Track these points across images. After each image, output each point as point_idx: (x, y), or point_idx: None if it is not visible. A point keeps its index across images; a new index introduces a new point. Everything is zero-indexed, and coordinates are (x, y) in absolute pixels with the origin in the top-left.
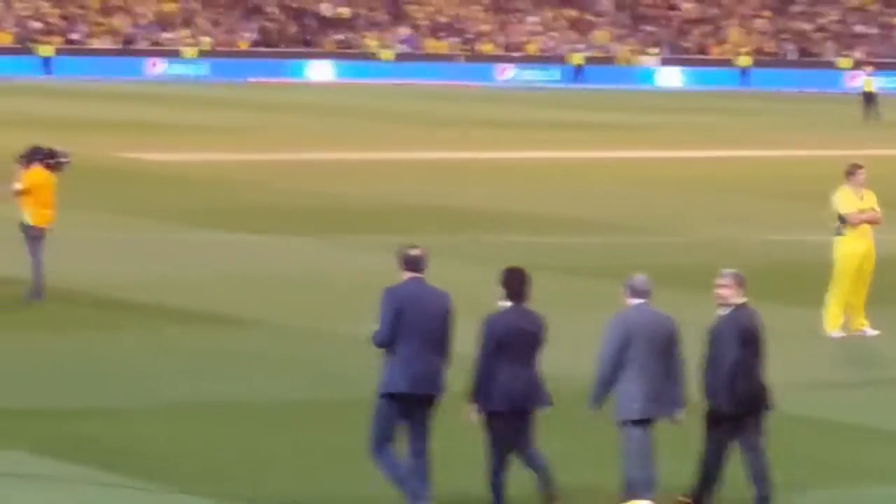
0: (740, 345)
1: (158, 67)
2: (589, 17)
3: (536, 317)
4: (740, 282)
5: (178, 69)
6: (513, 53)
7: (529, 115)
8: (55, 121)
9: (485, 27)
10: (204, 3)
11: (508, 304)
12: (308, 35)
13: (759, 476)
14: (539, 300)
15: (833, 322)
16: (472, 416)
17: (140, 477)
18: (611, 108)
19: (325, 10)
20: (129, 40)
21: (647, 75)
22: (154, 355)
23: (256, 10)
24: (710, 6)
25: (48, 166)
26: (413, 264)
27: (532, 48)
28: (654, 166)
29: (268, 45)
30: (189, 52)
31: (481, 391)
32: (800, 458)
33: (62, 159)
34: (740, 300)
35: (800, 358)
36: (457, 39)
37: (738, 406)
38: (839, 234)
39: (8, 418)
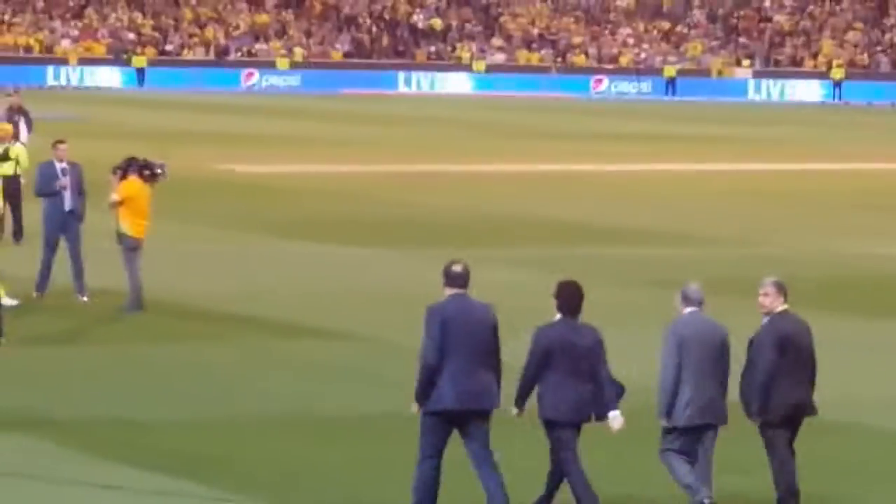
0: (778, 352)
1: (252, 79)
2: (682, 28)
3: (590, 330)
4: (781, 289)
5: (272, 80)
6: (606, 65)
7: (622, 127)
8: (149, 132)
9: (577, 39)
10: (297, 15)
11: (558, 316)
12: (401, 46)
13: (787, 483)
14: (631, 312)
15: None
16: (518, 416)
17: (237, 491)
18: (703, 119)
19: (419, 21)
20: (222, 51)
21: (741, 87)
22: (249, 368)
23: (350, 22)
24: (803, 18)
25: (144, 177)
26: (455, 280)
27: (625, 60)
28: (746, 179)
29: (361, 57)
30: (282, 63)
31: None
32: (878, 473)
33: (158, 171)
34: (781, 307)
35: (885, 372)
36: (550, 51)
37: (773, 413)
38: None
39: (107, 430)
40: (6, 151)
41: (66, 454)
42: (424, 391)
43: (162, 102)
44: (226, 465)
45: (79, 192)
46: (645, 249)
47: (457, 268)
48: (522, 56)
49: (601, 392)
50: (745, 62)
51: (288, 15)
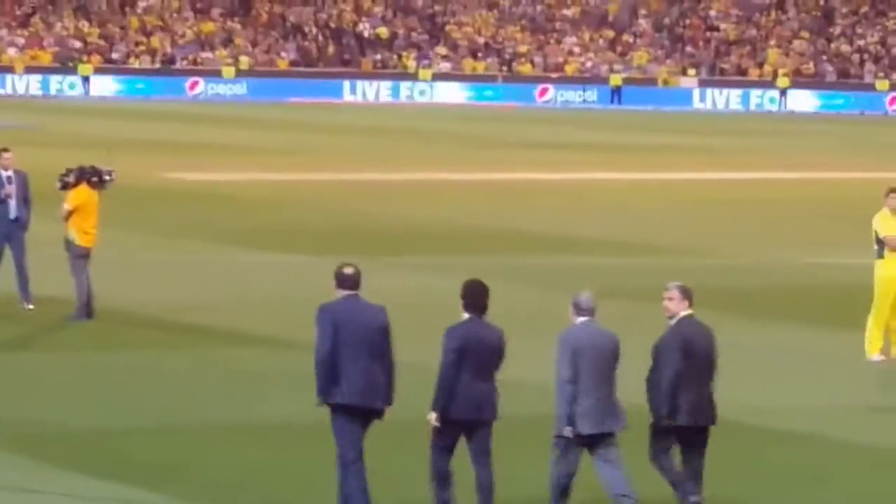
0: (682, 356)
1: (198, 87)
2: (627, 37)
3: (496, 329)
4: (686, 294)
5: (218, 89)
6: (551, 74)
7: (568, 136)
8: (96, 140)
9: (523, 47)
10: (243, 23)
11: (466, 315)
12: (347, 55)
13: (689, 483)
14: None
15: (873, 346)
16: (433, 423)
17: (186, 498)
18: (649, 129)
19: (365, 30)
20: (168, 60)
21: (686, 96)
22: (199, 376)
23: (296, 30)
24: (748, 28)
25: (92, 184)
26: (346, 282)
27: (570, 69)
28: (693, 188)
29: (307, 65)
30: (228, 71)
31: (441, 400)
32: (836, 482)
33: (106, 177)
34: (685, 312)
35: (840, 381)
36: (495, 59)
37: (680, 418)
38: (879, 256)
39: (59, 438)
40: None
41: (18, 462)
42: (327, 384)
43: (108, 111)
44: (179, 472)
45: (24, 200)
46: (593, 258)
47: (348, 270)
48: (468, 65)
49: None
50: (691, 71)
51: (234, 24)
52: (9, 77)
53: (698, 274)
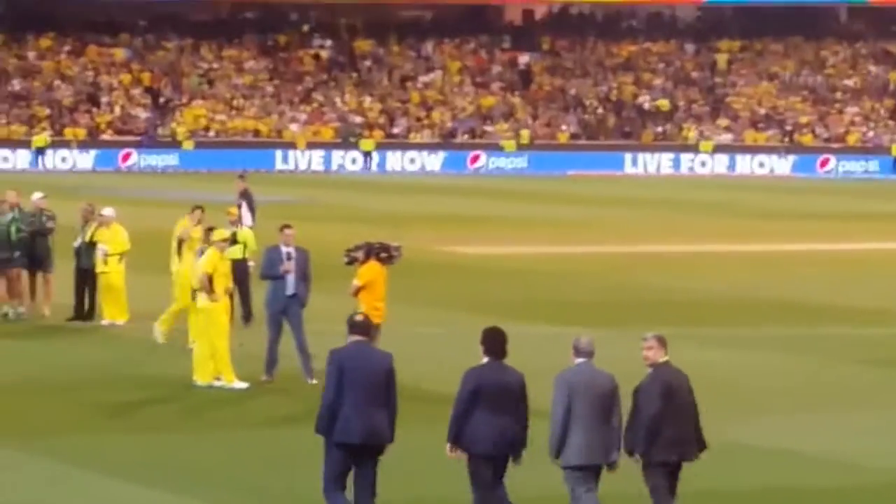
0: (663, 400)
1: (478, 161)
2: None
3: (515, 371)
4: (662, 343)
5: (498, 162)
6: (833, 144)
7: (851, 206)
8: (377, 215)
9: (805, 118)
10: (523, 97)
11: (486, 359)
12: (627, 127)
13: None
14: (852, 391)
15: None
16: (451, 455)
17: None
18: None
19: (645, 102)
20: (449, 134)
21: None
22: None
23: (576, 103)
24: None
25: (381, 260)
26: (355, 328)
27: (852, 139)
28: None
29: (587, 138)
30: (509, 145)
31: (458, 434)
32: None
33: (394, 253)
34: (663, 359)
35: None
36: (776, 131)
37: (657, 456)
38: None
39: None
40: (234, 235)
41: None
42: (327, 425)
43: (389, 185)
44: None
45: (303, 277)
46: (878, 329)
47: (358, 317)
48: (749, 136)
49: (523, 430)
50: None
51: (514, 97)
52: (291, 153)
53: None
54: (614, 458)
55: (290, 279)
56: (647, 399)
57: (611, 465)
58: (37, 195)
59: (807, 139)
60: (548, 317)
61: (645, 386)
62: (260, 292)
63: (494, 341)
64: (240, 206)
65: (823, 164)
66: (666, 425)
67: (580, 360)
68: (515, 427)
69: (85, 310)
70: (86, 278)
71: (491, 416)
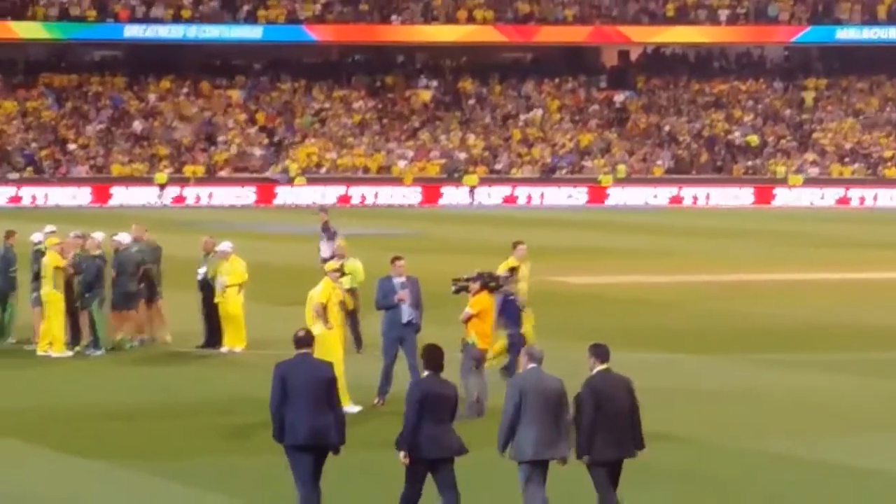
0: (593, 405)
1: (576, 196)
2: None
3: (451, 384)
4: (598, 353)
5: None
6: None
7: None
8: (482, 247)
9: (889, 152)
10: (620, 133)
11: (427, 373)
12: (718, 161)
13: None
14: None
15: None
16: (402, 461)
17: None
18: None
19: (736, 138)
20: (549, 169)
21: None
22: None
23: (670, 139)
24: None
25: (490, 289)
26: (300, 342)
27: None
28: None
29: (680, 173)
30: (605, 180)
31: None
32: None
33: (502, 283)
34: (599, 367)
35: None
36: (862, 164)
37: (595, 455)
38: None
39: None
40: (342, 267)
41: None
42: (278, 431)
43: (493, 218)
44: None
45: (416, 305)
46: None
47: (301, 333)
48: (836, 170)
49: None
50: None
51: (611, 133)
52: (398, 189)
53: None
54: (563, 453)
55: (405, 308)
56: (583, 405)
57: (561, 460)
58: (138, 227)
59: (891, 172)
60: (652, 344)
61: (580, 394)
62: (372, 321)
63: (433, 357)
64: (322, 240)
65: None
66: (601, 428)
67: (532, 365)
68: (454, 433)
69: (214, 337)
70: (210, 308)
71: (433, 423)
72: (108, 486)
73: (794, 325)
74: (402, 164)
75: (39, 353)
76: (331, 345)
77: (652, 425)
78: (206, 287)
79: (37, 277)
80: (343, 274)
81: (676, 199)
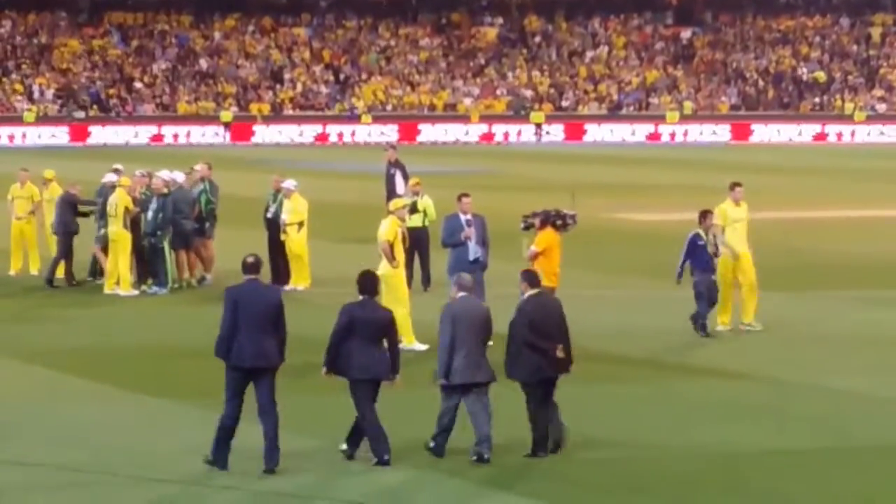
0: (527, 326)
1: (639, 133)
2: None
3: (383, 309)
4: (528, 279)
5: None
6: None
7: None
8: (548, 184)
9: None
10: (686, 70)
11: (361, 297)
12: (786, 98)
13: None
14: None
15: None
16: (325, 376)
17: None
18: None
19: (803, 74)
20: (615, 107)
21: None
22: (654, 406)
23: (737, 76)
24: None
25: (557, 227)
26: (249, 269)
27: None
28: None
29: (747, 109)
30: (672, 116)
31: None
32: None
33: (569, 221)
34: (530, 292)
35: None
36: None
37: (525, 375)
38: None
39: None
40: (415, 204)
41: None
42: (224, 351)
43: (559, 155)
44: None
45: (482, 242)
46: None
47: (250, 259)
48: None
49: (392, 357)
50: None
51: (677, 70)
52: (464, 126)
53: None
54: (489, 377)
55: (471, 245)
56: (514, 327)
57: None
58: (201, 165)
59: None
60: None
61: (515, 317)
62: (438, 258)
63: (367, 282)
64: (391, 177)
65: None
66: (531, 350)
67: (462, 293)
68: (385, 356)
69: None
70: (277, 246)
71: (362, 345)
72: (173, 423)
73: (864, 262)
74: (467, 101)
75: (107, 291)
76: (397, 283)
77: (730, 363)
78: (273, 225)
79: (102, 215)
80: (416, 211)
81: (742, 136)
